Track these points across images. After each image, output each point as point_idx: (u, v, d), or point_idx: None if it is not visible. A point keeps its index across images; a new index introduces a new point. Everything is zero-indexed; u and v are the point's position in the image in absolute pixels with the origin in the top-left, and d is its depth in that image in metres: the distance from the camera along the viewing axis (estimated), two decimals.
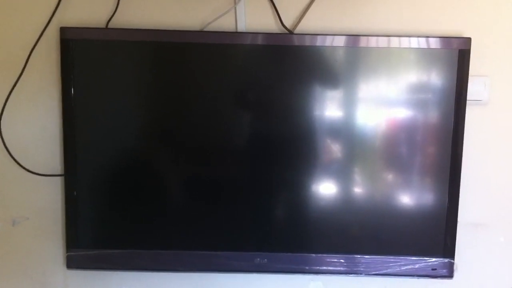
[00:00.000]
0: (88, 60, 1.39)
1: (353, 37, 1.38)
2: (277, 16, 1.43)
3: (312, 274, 1.49)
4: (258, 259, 1.44)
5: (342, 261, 1.44)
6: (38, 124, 1.47)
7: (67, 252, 1.45)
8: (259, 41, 1.38)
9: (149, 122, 1.45)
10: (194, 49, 1.39)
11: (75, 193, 1.42)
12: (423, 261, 1.45)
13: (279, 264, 1.45)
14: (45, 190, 1.49)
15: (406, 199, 1.45)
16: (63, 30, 1.37)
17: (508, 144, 1.50)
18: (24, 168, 1.47)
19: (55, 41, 1.42)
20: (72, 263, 1.45)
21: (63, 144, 1.42)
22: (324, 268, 1.45)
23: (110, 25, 1.43)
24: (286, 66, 1.41)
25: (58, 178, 1.48)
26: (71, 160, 1.41)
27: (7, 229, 1.52)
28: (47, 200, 1.50)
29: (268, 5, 1.44)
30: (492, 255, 1.55)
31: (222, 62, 1.40)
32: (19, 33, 1.44)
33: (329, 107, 1.42)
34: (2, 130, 1.45)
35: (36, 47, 1.43)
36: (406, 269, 1.45)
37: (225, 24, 1.44)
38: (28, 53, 1.43)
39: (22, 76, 1.43)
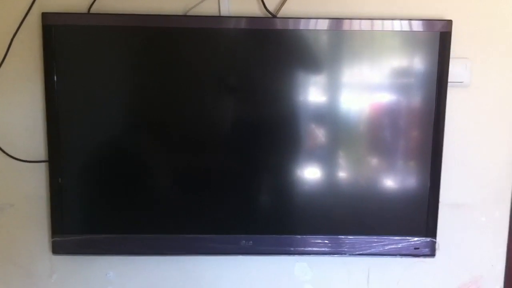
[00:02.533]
0: (71, 46, 1.38)
1: (336, 21, 1.38)
2: (260, 0, 1.43)
3: (297, 255, 1.51)
4: (244, 241, 1.45)
5: (327, 242, 1.46)
6: (21, 110, 1.46)
7: (52, 237, 1.44)
8: (243, 25, 1.38)
9: (133, 107, 1.44)
10: (177, 33, 1.38)
11: (60, 178, 1.42)
12: (406, 241, 1.47)
13: (265, 246, 1.46)
14: (29, 177, 1.49)
15: (389, 181, 1.47)
16: (45, 16, 1.36)
17: (488, 125, 1.52)
18: (8, 154, 1.46)
19: (36, 27, 1.41)
20: (58, 248, 1.45)
21: (46, 130, 1.41)
22: (309, 249, 1.46)
23: (92, 10, 1.41)
24: (270, 50, 1.41)
25: (43, 164, 1.47)
26: (55, 146, 1.41)
27: None
28: (32, 186, 1.49)
29: None
30: (474, 235, 1.58)
31: (205, 46, 1.40)
32: (0, 20, 1.42)
33: (313, 91, 1.43)
34: None
35: (18, 33, 1.41)
36: (390, 248, 1.47)
37: (208, 8, 1.44)
38: (9, 40, 1.41)
39: (4, 63, 1.42)
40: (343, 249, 1.47)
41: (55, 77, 1.38)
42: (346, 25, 1.38)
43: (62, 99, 1.39)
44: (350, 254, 1.47)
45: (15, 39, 1.41)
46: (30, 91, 1.45)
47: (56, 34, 1.36)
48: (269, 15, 1.43)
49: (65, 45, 1.37)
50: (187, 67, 1.41)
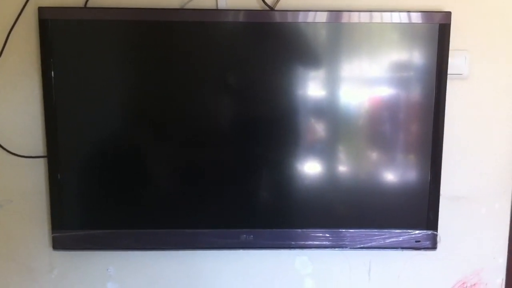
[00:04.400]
0: (68, 40, 1.37)
1: (335, 13, 1.38)
2: None
3: (297, 249, 1.50)
4: (244, 235, 1.45)
5: (327, 235, 1.46)
6: (19, 106, 1.46)
7: (52, 233, 1.44)
8: (240, 18, 1.38)
9: (131, 102, 1.44)
10: (174, 27, 1.38)
11: (59, 174, 1.41)
12: (407, 234, 1.47)
13: (265, 240, 1.46)
14: (28, 172, 1.48)
15: (389, 174, 1.47)
16: (41, 10, 1.35)
17: (488, 117, 1.51)
18: (6, 150, 1.46)
19: (33, 22, 1.40)
20: (58, 244, 1.45)
21: (45, 125, 1.41)
22: (310, 242, 1.46)
23: (89, 4, 1.41)
24: (268, 44, 1.41)
25: (41, 159, 1.47)
26: (54, 142, 1.40)
27: None
28: (30, 182, 1.49)
29: None
30: (475, 227, 1.58)
31: (203, 40, 1.39)
32: None
33: (312, 85, 1.43)
34: None
35: (14, 28, 1.41)
36: (391, 241, 1.46)
37: (205, 1, 1.43)
38: (6, 35, 1.41)
39: (1, 58, 1.41)
40: (344, 242, 1.47)
41: (53, 72, 1.37)
42: (345, 17, 1.38)
43: (60, 94, 1.38)
44: (351, 248, 1.47)
45: (11, 34, 1.41)
46: (27, 86, 1.44)
47: (52, 29, 1.35)
48: (267, 8, 1.42)
49: (62, 40, 1.37)
50: (185, 61, 1.40)
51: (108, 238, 1.44)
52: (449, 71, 1.41)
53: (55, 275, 1.56)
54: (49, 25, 1.35)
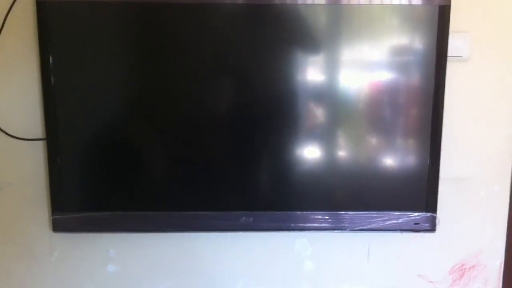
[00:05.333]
0: (66, 22, 1.36)
1: None
2: None
3: (297, 231, 1.50)
4: (244, 218, 1.45)
5: (327, 217, 1.46)
6: (18, 88, 1.45)
7: (52, 215, 1.44)
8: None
9: (130, 84, 1.43)
10: (173, 8, 1.36)
11: (58, 156, 1.41)
12: (406, 216, 1.47)
13: (265, 222, 1.46)
14: (27, 155, 1.48)
15: (389, 157, 1.47)
16: None
17: (488, 99, 1.51)
18: (5, 132, 1.46)
19: (31, 3, 1.39)
20: (58, 226, 1.45)
21: (43, 108, 1.41)
22: (309, 225, 1.46)
23: None
24: (266, 26, 1.40)
25: (41, 142, 1.46)
26: (53, 124, 1.40)
27: None
28: (30, 164, 1.49)
29: None
30: (473, 209, 1.58)
31: (200, 21, 1.38)
32: None
33: (310, 70, 1.42)
34: None
35: (12, 10, 1.40)
36: (390, 223, 1.47)
37: None
38: (3, 17, 1.40)
39: None
40: (343, 224, 1.47)
41: (51, 54, 1.36)
42: None
43: (58, 76, 1.38)
44: (350, 230, 1.47)
45: (9, 16, 1.40)
46: (26, 69, 1.43)
47: (50, 10, 1.34)
48: None
49: (59, 21, 1.35)
50: (183, 42, 1.40)
51: (109, 220, 1.44)
52: (449, 53, 1.40)
53: (55, 257, 1.57)
54: (47, 7, 1.34)
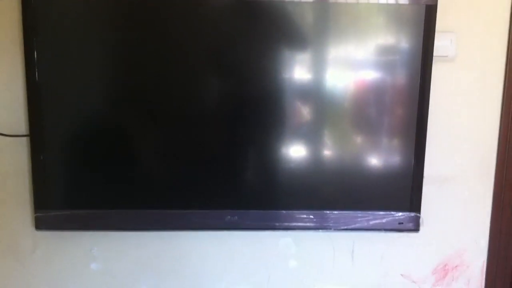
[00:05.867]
0: (50, 16, 1.34)
1: None
2: None
3: (282, 231, 1.50)
4: (229, 216, 1.45)
5: (312, 217, 1.46)
6: (0, 83, 1.43)
7: (35, 213, 1.43)
8: None
9: (117, 80, 1.42)
10: (161, 3, 1.36)
11: (41, 153, 1.40)
12: (390, 216, 1.47)
13: (250, 221, 1.46)
14: (10, 151, 1.47)
15: (373, 156, 1.47)
16: None
17: (473, 99, 1.52)
18: None
19: None
20: (41, 224, 1.43)
21: (27, 104, 1.39)
22: (294, 224, 1.46)
23: None
24: (254, 22, 1.39)
25: (24, 138, 1.45)
26: (36, 120, 1.38)
27: None
28: (12, 161, 1.47)
29: None
30: (457, 209, 1.59)
31: (189, 17, 1.37)
32: None
33: (297, 67, 1.42)
34: None
35: None
36: (374, 223, 1.47)
37: None
38: None
39: None
40: (328, 224, 1.47)
41: (35, 49, 1.35)
42: None
43: (42, 71, 1.36)
44: (335, 229, 1.48)
45: None
46: (9, 63, 1.42)
47: (35, 4, 1.33)
48: None
49: (44, 15, 1.34)
50: (171, 38, 1.39)
51: (92, 218, 1.43)
52: (435, 53, 1.41)
53: (38, 255, 1.55)
54: (32, 1, 1.32)
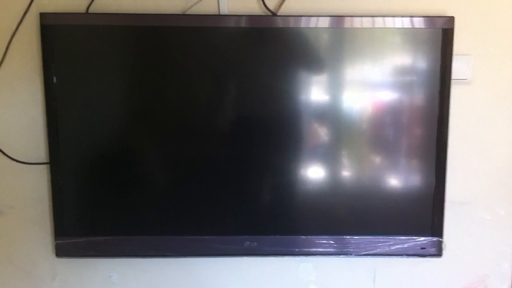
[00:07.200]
0: (69, 46, 1.37)
1: (338, 18, 1.37)
2: None
3: (302, 256, 1.48)
4: (248, 242, 1.44)
5: (332, 242, 1.45)
6: (21, 111, 1.45)
7: (55, 240, 1.44)
8: (242, 23, 1.37)
9: (132, 107, 1.44)
10: (176, 32, 1.38)
11: (61, 180, 1.41)
12: (412, 241, 1.45)
13: (269, 247, 1.45)
14: (29, 178, 1.48)
15: (393, 180, 1.46)
16: (43, 16, 1.35)
17: (492, 122, 1.50)
18: (8, 156, 1.46)
19: (35, 27, 1.40)
20: (61, 251, 1.44)
21: (46, 131, 1.40)
22: (314, 249, 1.45)
23: (91, 10, 1.41)
24: (270, 49, 1.40)
25: (43, 166, 1.46)
26: (56, 148, 1.40)
27: None
28: (32, 188, 1.48)
29: None
30: (479, 233, 1.56)
31: (205, 45, 1.39)
32: None
33: (314, 90, 1.42)
34: None
35: (16, 34, 1.41)
36: (396, 248, 1.45)
37: (207, 7, 1.43)
38: (8, 40, 1.41)
39: (3, 64, 1.42)
40: (348, 249, 1.46)
41: (54, 77, 1.37)
42: (347, 22, 1.37)
43: (61, 100, 1.38)
44: (355, 255, 1.46)
45: (13, 39, 1.41)
46: (29, 92, 1.44)
47: (54, 34, 1.35)
48: (269, 13, 1.42)
49: (63, 45, 1.36)
50: (187, 66, 1.40)
51: (111, 245, 1.44)
52: (453, 76, 1.41)
53: (58, 282, 1.55)
54: (51, 31, 1.35)
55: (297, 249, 1.46)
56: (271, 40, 1.40)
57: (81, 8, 1.41)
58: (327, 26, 1.37)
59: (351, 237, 1.45)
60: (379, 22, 1.38)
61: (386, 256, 1.47)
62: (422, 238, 1.45)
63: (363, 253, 1.46)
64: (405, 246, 1.46)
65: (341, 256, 1.47)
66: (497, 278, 1.59)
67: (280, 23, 1.37)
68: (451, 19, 1.38)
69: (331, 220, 1.47)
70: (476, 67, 1.47)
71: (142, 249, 1.45)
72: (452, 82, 1.41)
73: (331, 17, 1.37)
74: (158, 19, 1.37)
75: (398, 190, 1.46)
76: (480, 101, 1.49)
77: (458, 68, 1.44)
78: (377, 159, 1.46)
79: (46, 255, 1.52)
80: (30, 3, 1.40)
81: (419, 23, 1.38)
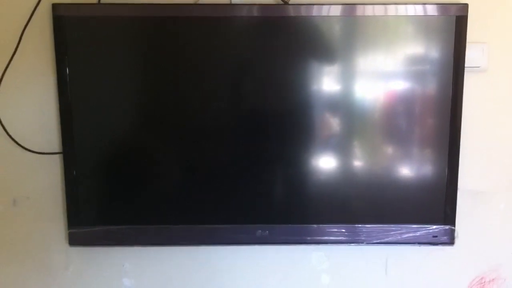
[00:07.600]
0: (82, 37, 1.37)
1: (349, 6, 1.36)
2: None
3: (314, 245, 1.49)
4: (260, 231, 1.44)
5: (344, 230, 1.45)
6: (34, 103, 1.46)
7: (69, 229, 1.45)
8: (254, 12, 1.37)
9: (145, 98, 1.44)
10: (188, 22, 1.37)
11: (75, 170, 1.42)
12: (424, 229, 1.45)
13: (281, 235, 1.45)
14: (44, 169, 1.49)
15: (406, 168, 1.45)
16: (55, 7, 1.36)
17: (506, 110, 1.49)
18: (22, 146, 1.47)
19: (47, 18, 1.40)
20: (75, 240, 1.45)
21: (60, 122, 1.41)
22: (326, 238, 1.45)
23: (103, 0, 1.41)
24: (282, 38, 1.40)
25: (57, 156, 1.47)
26: (69, 138, 1.41)
27: (8, 209, 1.52)
28: (46, 178, 1.50)
29: None
30: (492, 222, 1.55)
31: (217, 35, 1.39)
32: (11, 12, 1.42)
33: (326, 79, 1.42)
34: None
35: (29, 25, 1.41)
36: (407, 237, 1.45)
37: None
38: (20, 32, 1.41)
39: (16, 55, 1.42)
40: (360, 238, 1.46)
41: (67, 69, 1.37)
42: (359, 10, 1.36)
43: (74, 90, 1.39)
44: (367, 243, 1.46)
45: (26, 31, 1.41)
46: (42, 83, 1.45)
47: (67, 25, 1.35)
48: (281, 2, 1.41)
49: (76, 36, 1.37)
50: (198, 56, 1.40)
51: (124, 234, 1.45)
52: (466, 64, 1.39)
53: (71, 271, 1.57)
54: (63, 22, 1.35)
55: (308, 238, 1.46)
56: (283, 29, 1.39)
57: None
58: (338, 15, 1.37)
59: (363, 225, 1.45)
60: (391, 10, 1.36)
61: (398, 245, 1.46)
62: (434, 227, 1.45)
63: (375, 241, 1.46)
64: (417, 234, 1.45)
65: (352, 244, 1.46)
66: (510, 267, 1.59)
67: (292, 12, 1.37)
68: (465, 6, 1.37)
69: (343, 209, 1.47)
70: (490, 55, 1.46)
71: (154, 238, 1.46)
72: (466, 70, 1.39)
73: (343, 5, 1.36)
74: (170, 9, 1.37)
75: (411, 179, 1.46)
76: (494, 89, 1.48)
77: (472, 56, 1.42)
78: (390, 149, 1.45)
79: (59, 244, 1.53)
80: None
81: (432, 10, 1.36)
